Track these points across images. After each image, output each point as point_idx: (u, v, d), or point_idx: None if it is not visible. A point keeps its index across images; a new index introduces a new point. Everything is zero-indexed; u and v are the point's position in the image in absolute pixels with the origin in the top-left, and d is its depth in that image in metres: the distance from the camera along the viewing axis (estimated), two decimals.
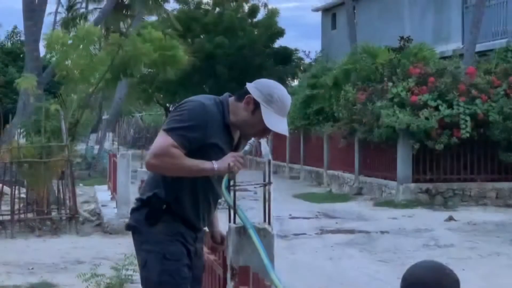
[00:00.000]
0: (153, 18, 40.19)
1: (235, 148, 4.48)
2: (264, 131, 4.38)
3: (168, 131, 4.26)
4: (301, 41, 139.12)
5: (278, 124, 4.34)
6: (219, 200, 4.68)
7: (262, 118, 4.29)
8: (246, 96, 4.35)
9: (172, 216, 4.38)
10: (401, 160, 21.14)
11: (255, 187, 4.77)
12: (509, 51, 23.88)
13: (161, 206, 4.37)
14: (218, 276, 4.67)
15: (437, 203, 20.61)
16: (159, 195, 4.38)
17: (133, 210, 4.54)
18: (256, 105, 4.31)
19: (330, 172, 26.26)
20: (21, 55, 41.75)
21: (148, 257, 4.41)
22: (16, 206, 15.61)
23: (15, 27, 53.72)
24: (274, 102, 4.31)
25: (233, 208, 4.36)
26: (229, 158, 4.25)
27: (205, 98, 4.47)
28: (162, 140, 4.27)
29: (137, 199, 4.55)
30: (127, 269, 10.37)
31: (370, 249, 13.91)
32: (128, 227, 4.61)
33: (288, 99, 4.41)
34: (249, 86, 4.40)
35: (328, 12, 40.46)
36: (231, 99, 4.48)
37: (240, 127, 4.42)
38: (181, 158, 4.23)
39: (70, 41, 25.23)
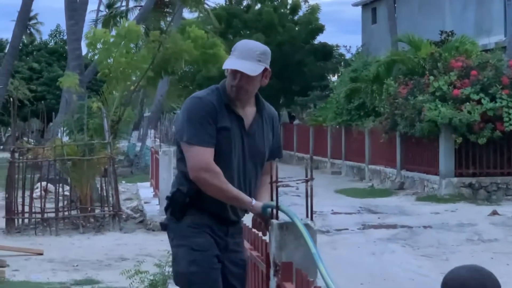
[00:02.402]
0: (193, 16, 40.31)
1: (250, 127, 4.50)
2: (232, 81, 4.40)
3: (190, 141, 4.38)
4: (340, 36, 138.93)
5: (231, 62, 4.41)
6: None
7: (233, 72, 4.41)
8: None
9: (198, 209, 4.45)
10: (443, 154, 21.00)
11: (297, 183, 4.66)
12: None
13: (184, 200, 4.42)
14: (261, 272, 4.66)
15: (480, 197, 20.44)
16: (182, 190, 4.45)
17: (165, 209, 4.58)
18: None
19: (372, 167, 26.18)
20: (64, 54, 42.13)
21: (177, 251, 4.49)
22: (60, 204, 15.78)
23: (58, 26, 54.28)
24: (235, 49, 4.45)
25: (275, 204, 4.35)
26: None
27: (200, 92, 4.58)
28: (195, 154, 4.37)
29: (166, 197, 4.60)
30: (170, 266, 10.43)
31: (412, 244, 13.84)
32: (162, 225, 4.71)
33: (246, 44, 4.54)
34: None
35: (368, 6, 40.32)
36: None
37: (230, 96, 4.46)
38: (222, 177, 4.34)
39: (111, 39, 25.44)
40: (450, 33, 25.44)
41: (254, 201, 4.35)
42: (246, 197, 4.35)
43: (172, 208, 4.47)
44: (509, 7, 27.69)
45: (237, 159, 4.45)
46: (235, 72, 4.36)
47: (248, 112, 4.50)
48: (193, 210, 4.43)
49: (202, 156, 4.32)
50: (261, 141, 4.53)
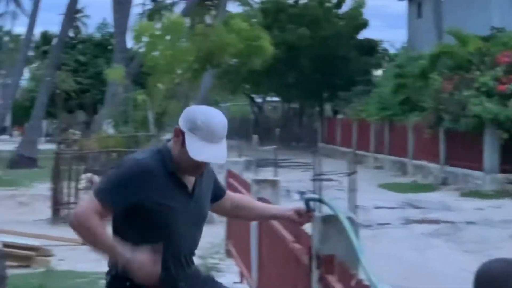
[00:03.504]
0: (237, 10, 40.39)
1: (194, 190, 3.85)
2: (196, 163, 3.69)
3: (94, 194, 3.71)
4: (385, 31, 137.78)
5: (203, 151, 3.64)
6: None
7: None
8: (174, 128, 3.76)
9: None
10: (488, 149, 20.85)
11: (340, 177, 4.64)
12: None
13: (125, 284, 3.78)
14: (303, 265, 4.67)
15: None
16: (120, 274, 3.78)
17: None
18: (184, 135, 3.68)
19: (415, 162, 26.04)
20: (109, 47, 42.40)
21: None
22: None
23: (104, 19, 54.66)
24: (198, 128, 3.64)
25: (319, 197, 4.36)
26: (142, 266, 3.65)
27: (140, 153, 3.89)
28: (86, 203, 3.81)
29: (107, 277, 3.98)
30: (213, 258, 10.48)
31: (455, 239, 13.77)
32: None
33: (216, 123, 3.68)
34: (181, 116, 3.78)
35: (414, 0, 40.06)
36: (170, 142, 3.81)
37: (179, 165, 3.77)
38: (99, 228, 3.69)
39: (157, 32, 25.57)
40: (499, 29, 25.21)
41: (126, 254, 3.64)
42: (121, 249, 3.65)
43: None
44: None
45: (183, 227, 3.82)
46: (199, 161, 3.68)
47: (190, 179, 3.85)
48: None
49: (90, 210, 3.69)
50: (205, 201, 3.96)
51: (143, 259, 3.63)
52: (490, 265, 2.63)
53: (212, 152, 3.64)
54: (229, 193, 4.29)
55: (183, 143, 3.67)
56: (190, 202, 3.79)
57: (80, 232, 3.75)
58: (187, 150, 3.63)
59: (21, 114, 46.23)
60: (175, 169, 3.74)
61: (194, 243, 4.02)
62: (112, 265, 3.83)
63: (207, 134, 3.64)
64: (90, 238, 3.74)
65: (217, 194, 4.10)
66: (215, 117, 3.69)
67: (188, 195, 3.80)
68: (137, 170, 3.69)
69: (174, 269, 3.89)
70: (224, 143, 3.66)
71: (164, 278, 3.81)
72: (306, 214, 4.31)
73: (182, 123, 3.71)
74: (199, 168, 3.77)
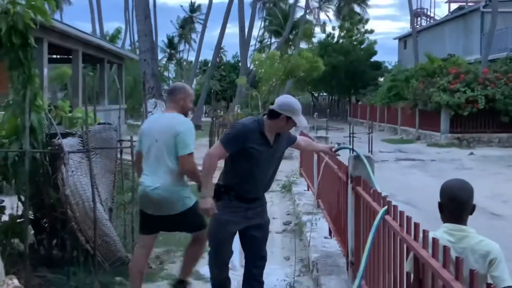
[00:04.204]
0: (305, 46, 39.91)
1: (273, 144, 3.62)
2: (292, 127, 3.60)
3: (221, 141, 3.53)
4: (386, 56, 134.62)
5: (301, 120, 3.53)
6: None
7: (290, 121, 3.55)
8: (281, 116, 3.54)
9: (227, 195, 3.60)
10: (443, 120, 20.35)
11: (361, 135, 4.57)
12: (508, 59, 22.35)
13: (220, 189, 3.58)
14: (343, 182, 4.66)
15: (464, 145, 19.61)
16: (219, 183, 3.62)
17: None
18: (287, 117, 3.53)
19: (402, 127, 25.40)
20: (237, 67, 42.53)
21: (212, 220, 3.65)
22: None
23: (236, 52, 54.84)
24: (295, 112, 3.52)
25: (352, 148, 4.32)
26: (208, 205, 3.50)
27: (247, 119, 3.66)
28: (215, 148, 3.55)
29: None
30: (293, 177, 10.27)
31: (425, 169, 13.44)
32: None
33: (298, 105, 3.59)
34: (276, 108, 3.57)
35: (402, 39, 38.79)
36: (265, 117, 3.61)
37: (278, 129, 3.59)
38: (211, 170, 3.48)
39: (263, 59, 25.49)
40: (451, 54, 24.46)
41: (205, 194, 3.50)
42: (206, 191, 3.50)
43: (214, 193, 3.58)
44: (483, 37, 25.98)
45: (264, 163, 3.61)
46: (293, 123, 3.56)
47: (272, 138, 3.62)
48: (225, 196, 3.59)
49: (216, 155, 3.50)
50: (280, 151, 3.73)
51: (209, 201, 3.48)
52: (448, 181, 2.61)
53: (303, 121, 3.55)
54: (299, 138, 4.13)
55: (287, 120, 3.52)
56: (270, 150, 3.62)
57: (205, 166, 3.47)
58: (297, 123, 3.51)
59: (193, 103, 47.14)
60: (264, 131, 3.56)
61: (269, 179, 3.72)
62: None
63: (298, 111, 3.53)
64: (205, 172, 3.48)
65: (292, 141, 3.95)
66: (297, 103, 3.59)
67: (270, 146, 3.60)
68: (243, 129, 3.53)
69: (250, 195, 3.63)
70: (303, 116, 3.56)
71: (241, 199, 3.59)
72: (335, 153, 4.29)
73: (280, 108, 3.52)
74: (287, 129, 3.66)
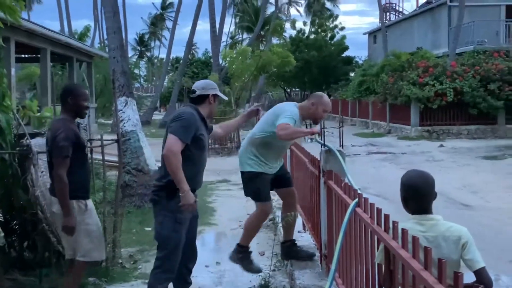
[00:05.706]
0: (276, 42, 40.00)
1: (206, 125, 3.70)
2: (215, 104, 3.73)
3: (176, 134, 3.44)
4: (356, 51, 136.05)
5: (223, 95, 3.79)
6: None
7: (217, 99, 3.71)
8: (210, 96, 3.67)
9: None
10: (413, 114, 20.59)
11: (334, 129, 4.62)
12: (475, 52, 22.78)
13: (174, 186, 3.43)
14: (315, 176, 4.69)
15: (434, 137, 19.95)
16: (171, 179, 3.43)
17: (155, 190, 3.57)
18: (214, 95, 3.66)
19: (373, 121, 25.71)
20: (209, 64, 42.30)
21: (164, 219, 3.52)
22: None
23: (206, 49, 54.60)
24: (216, 87, 3.71)
25: (323, 143, 4.35)
26: (190, 201, 3.43)
27: (186, 109, 3.64)
28: (173, 143, 3.42)
29: (156, 185, 3.57)
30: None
31: (395, 162, 13.65)
32: (152, 200, 3.59)
33: (211, 82, 3.82)
34: (202, 92, 3.67)
35: (372, 34, 39.14)
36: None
37: (211, 113, 3.73)
38: (179, 166, 3.39)
39: (234, 55, 25.45)
40: (419, 48, 24.78)
41: (184, 192, 3.41)
42: (185, 185, 3.40)
43: (168, 192, 3.47)
44: (450, 31, 26.46)
45: (206, 153, 3.73)
46: (218, 99, 3.73)
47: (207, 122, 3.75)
48: (178, 192, 3.43)
49: (178, 149, 3.43)
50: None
51: (189, 195, 3.42)
52: (408, 174, 2.64)
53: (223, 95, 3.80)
54: (215, 126, 4.13)
55: (215, 97, 3.70)
56: (208, 135, 3.74)
57: (173, 164, 3.38)
58: (221, 96, 3.73)
59: (165, 100, 46.75)
60: (203, 117, 3.63)
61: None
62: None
63: (217, 87, 3.75)
64: (176, 169, 3.37)
65: (211, 129, 3.96)
66: (208, 80, 3.82)
67: (208, 130, 3.75)
68: (192, 117, 3.52)
69: (198, 186, 3.66)
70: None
71: (194, 185, 3.56)
72: (257, 109, 4.44)
73: (207, 89, 3.67)
74: (215, 109, 3.76)
